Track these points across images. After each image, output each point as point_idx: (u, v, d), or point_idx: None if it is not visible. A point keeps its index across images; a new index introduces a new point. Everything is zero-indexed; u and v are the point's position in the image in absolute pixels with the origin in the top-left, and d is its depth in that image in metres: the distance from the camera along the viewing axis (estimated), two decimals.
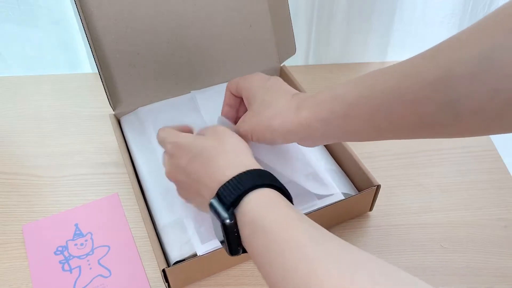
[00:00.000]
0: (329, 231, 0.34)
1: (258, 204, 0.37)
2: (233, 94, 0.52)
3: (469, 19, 0.81)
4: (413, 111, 0.37)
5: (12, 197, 0.60)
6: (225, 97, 0.54)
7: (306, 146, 0.47)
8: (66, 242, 0.55)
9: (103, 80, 0.58)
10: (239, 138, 0.45)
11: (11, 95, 0.73)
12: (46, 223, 0.57)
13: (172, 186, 0.54)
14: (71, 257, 0.54)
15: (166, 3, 0.60)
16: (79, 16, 0.56)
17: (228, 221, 0.37)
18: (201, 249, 0.48)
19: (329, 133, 0.43)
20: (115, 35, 0.58)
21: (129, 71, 0.61)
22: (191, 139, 0.45)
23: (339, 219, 0.57)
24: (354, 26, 0.81)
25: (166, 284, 0.49)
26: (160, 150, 0.58)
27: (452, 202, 0.60)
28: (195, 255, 0.48)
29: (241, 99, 0.52)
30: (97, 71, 0.58)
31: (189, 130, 0.50)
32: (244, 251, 0.39)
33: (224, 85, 0.55)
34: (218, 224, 0.38)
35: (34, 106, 0.72)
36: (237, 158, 0.42)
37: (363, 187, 0.56)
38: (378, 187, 0.55)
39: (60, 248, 0.55)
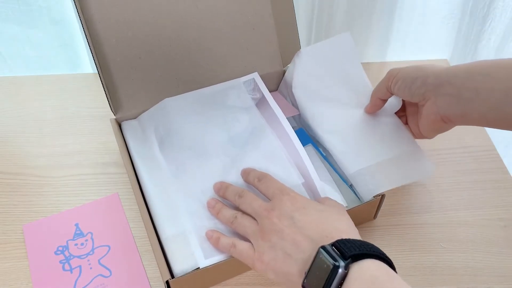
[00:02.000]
0: None
1: (381, 268, 0.38)
2: (380, 98, 0.58)
3: (468, 19, 0.81)
4: None
5: (12, 197, 0.60)
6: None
7: (424, 113, 0.52)
8: (67, 242, 0.56)
9: (104, 84, 0.58)
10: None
11: (11, 95, 0.73)
12: (46, 223, 0.57)
13: (174, 195, 0.53)
14: (71, 257, 0.54)
15: (168, 6, 0.59)
16: (79, 19, 0.56)
17: (341, 270, 0.37)
18: (204, 264, 0.48)
19: (464, 88, 0.47)
20: (116, 38, 0.58)
21: (130, 75, 0.60)
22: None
23: None
24: (354, 26, 0.81)
25: None
26: (161, 157, 0.57)
27: (452, 202, 0.61)
28: (197, 268, 0.48)
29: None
30: (97, 71, 0.58)
31: None
32: None
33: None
34: (321, 270, 0.38)
35: (34, 106, 0.72)
36: (352, 230, 0.44)
37: None
38: (383, 196, 0.54)
39: (60, 248, 0.55)
